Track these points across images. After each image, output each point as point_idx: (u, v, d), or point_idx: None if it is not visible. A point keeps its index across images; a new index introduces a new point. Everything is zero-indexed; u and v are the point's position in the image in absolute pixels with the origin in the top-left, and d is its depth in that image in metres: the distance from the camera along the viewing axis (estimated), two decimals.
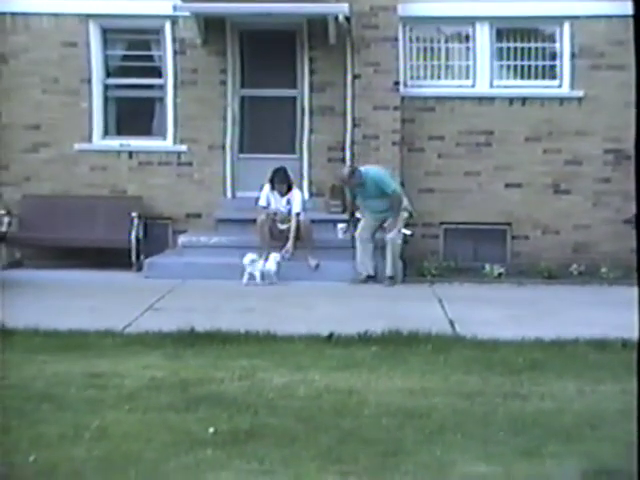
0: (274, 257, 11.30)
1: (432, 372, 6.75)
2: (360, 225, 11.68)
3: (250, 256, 11.20)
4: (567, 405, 5.92)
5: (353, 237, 11.68)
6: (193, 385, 6.25)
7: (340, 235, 11.93)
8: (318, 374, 6.60)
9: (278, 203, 11.87)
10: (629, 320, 8.54)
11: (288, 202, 11.85)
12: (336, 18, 12.10)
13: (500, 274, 11.84)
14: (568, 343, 7.68)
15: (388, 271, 11.43)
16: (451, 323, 8.72)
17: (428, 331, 7.94)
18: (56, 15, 12.88)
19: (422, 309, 9.55)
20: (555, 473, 4.67)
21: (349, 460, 4.78)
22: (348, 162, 12.27)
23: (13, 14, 12.91)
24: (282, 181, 11.83)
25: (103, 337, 7.76)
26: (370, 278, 11.39)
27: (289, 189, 11.89)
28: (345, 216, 12.15)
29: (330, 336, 7.84)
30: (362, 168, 11.68)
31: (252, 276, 11.14)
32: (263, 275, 11.17)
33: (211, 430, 5.17)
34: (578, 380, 6.51)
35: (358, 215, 11.85)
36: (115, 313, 8.95)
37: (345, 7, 12.02)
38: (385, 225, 11.56)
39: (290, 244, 11.57)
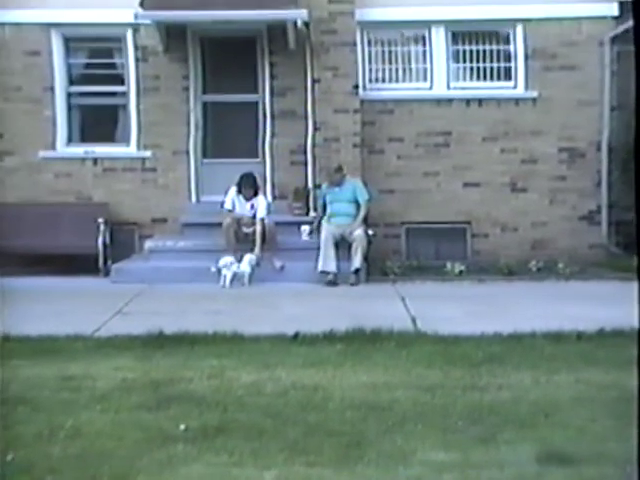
0: (248, 259, 11.48)
1: (395, 367, 6.99)
2: (324, 229, 11.91)
3: (227, 259, 11.39)
4: (523, 395, 6.19)
5: (318, 235, 11.92)
6: (164, 385, 6.44)
7: (304, 236, 12.17)
8: (285, 372, 6.82)
9: (242, 207, 12.07)
10: (584, 313, 8.98)
11: (252, 207, 12.05)
12: (295, 24, 12.31)
13: (461, 272, 12.09)
14: (525, 336, 7.95)
15: (356, 263, 11.65)
16: (413, 320, 8.96)
17: (391, 328, 8.18)
18: (18, 25, 12.99)
19: (385, 307, 9.78)
20: (509, 458, 4.93)
21: (315, 451, 5.02)
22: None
23: None
24: (250, 186, 12.04)
25: (73, 341, 7.93)
26: (334, 276, 11.55)
27: (255, 194, 12.10)
28: (308, 218, 12.42)
29: (296, 335, 8.05)
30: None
31: (225, 278, 11.32)
32: (235, 277, 11.35)
33: (182, 427, 5.38)
34: (534, 371, 6.78)
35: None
36: (84, 318, 9.09)
37: (304, 13, 12.23)
38: (348, 232, 11.85)
39: (257, 249, 11.73)
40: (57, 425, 5.42)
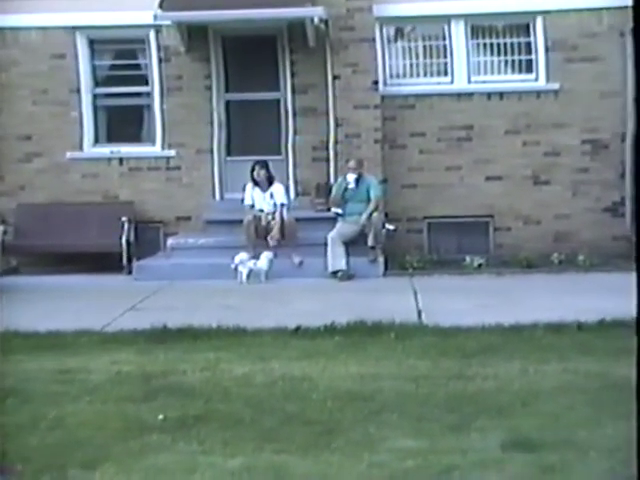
0: (266, 255, 11.58)
1: (387, 358, 7.05)
2: (337, 228, 11.99)
3: (242, 255, 11.51)
4: (507, 384, 6.20)
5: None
6: (155, 377, 6.56)
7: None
8: (278, 364, 6.91)
9: (261, 200, 12.14)
10: (592, 305, 8.93)
11: (271, 196, 12.12)
12: (312, 21, 12.40)
13: (480, 265, 12.08)
14: (526, 327, 7.95)
15: (370, 242, 11.82)
16: (419, 313, 9.01)
17: (392, 320, 8.24)
18: (44, 28, 13.23)
19: (395, 301, 9.80)
20: (475, 445, 4.96)
21: (285, 440, 5.09)
22: (352, 164, 12.33)
23: (2, 29, 13.27)
24: (262, 167, 12.10)
25: (80, 336, 8.07)
26: (345, 272, 11.60)
27: (270, 183, 12.18)
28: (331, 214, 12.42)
29: (297, 329, 8.14)
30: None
31: (241, 274, 11.43)
32: (251, 274, 11.46)
33: (160, 417, 5.50)
34: (525, 361, 6.79)
35: (334, 210, 12.20)
36: (97, 314, 9.26)
37: (321, 10, 12.32)
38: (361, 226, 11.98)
39: (275, 230, 11.83)
40: (41, 416, 5.56)
